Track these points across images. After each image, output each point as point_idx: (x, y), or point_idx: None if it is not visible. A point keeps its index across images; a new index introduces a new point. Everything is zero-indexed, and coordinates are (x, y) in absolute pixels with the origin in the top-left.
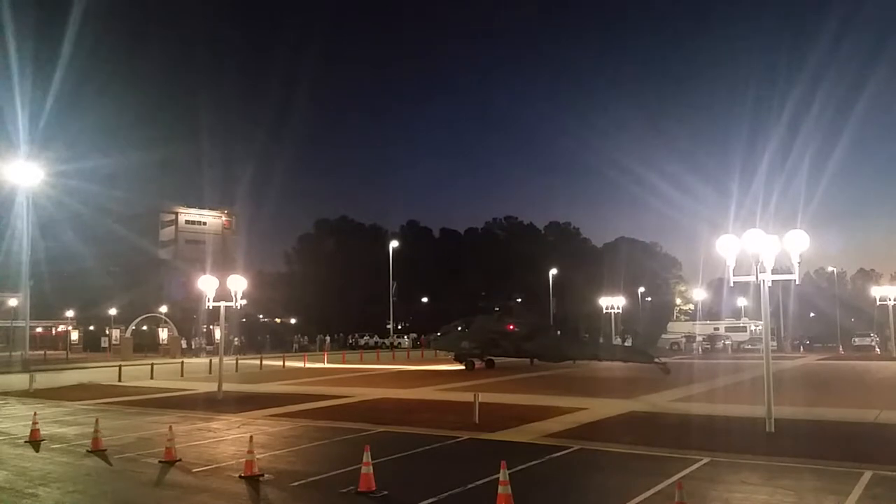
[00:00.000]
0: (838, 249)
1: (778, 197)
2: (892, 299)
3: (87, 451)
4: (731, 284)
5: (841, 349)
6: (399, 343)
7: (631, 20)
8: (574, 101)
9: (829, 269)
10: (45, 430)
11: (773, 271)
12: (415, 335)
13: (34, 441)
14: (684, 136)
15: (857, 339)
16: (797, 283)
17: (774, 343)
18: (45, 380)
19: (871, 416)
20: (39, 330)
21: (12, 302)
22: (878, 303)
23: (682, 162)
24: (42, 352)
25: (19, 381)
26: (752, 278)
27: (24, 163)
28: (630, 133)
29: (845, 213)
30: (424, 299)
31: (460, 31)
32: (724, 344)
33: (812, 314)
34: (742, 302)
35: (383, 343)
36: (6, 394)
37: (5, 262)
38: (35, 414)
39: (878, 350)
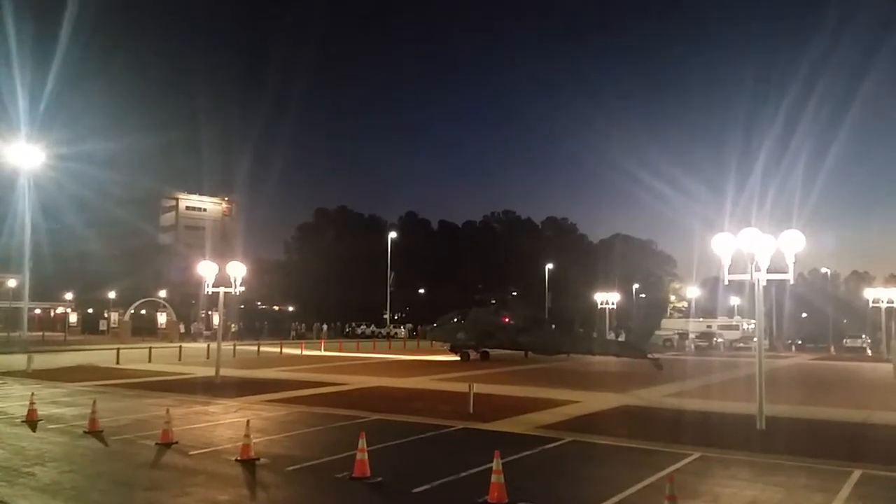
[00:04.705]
0: (832, 251)
1: (773, 197)
2: (885, 301)
3: (84, 431)
4: (726, 283)
5: (833, 350)
6: (396, 333)
7: (628, 20)
8: (572, 98)
9: (823, 270)
10: (42, 411)
11: (768, 271)
12: (411, 325)
13: (31, 421)
14: (680, 135)
15: (848, 341)
16: (791, 283)
17: (767, 342)
18: (43, 361)
19: (861, 416)
20: (38, 311)
21: (11, 283)
22: (871, 304)
23: (677, 161)
24: (40, 333)
25: (17, 361)
26: (746, 277)
27: (25, 145)
28: (626, 131)
29: (840, 214)
30: (421, 290)
31: (462, 28)
32: (716, 342)
33: (805, 314)
34: (736, 300)
35: (380, 333)
36: (4, 374)
37: (6, 244)
38: (32, 394)
39: (869, 352)
